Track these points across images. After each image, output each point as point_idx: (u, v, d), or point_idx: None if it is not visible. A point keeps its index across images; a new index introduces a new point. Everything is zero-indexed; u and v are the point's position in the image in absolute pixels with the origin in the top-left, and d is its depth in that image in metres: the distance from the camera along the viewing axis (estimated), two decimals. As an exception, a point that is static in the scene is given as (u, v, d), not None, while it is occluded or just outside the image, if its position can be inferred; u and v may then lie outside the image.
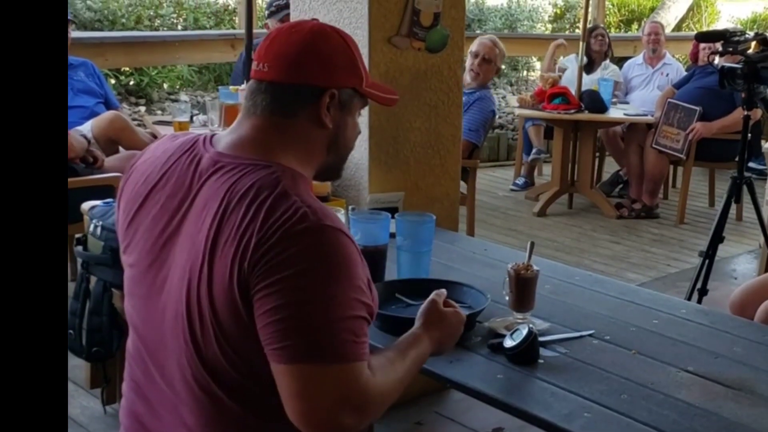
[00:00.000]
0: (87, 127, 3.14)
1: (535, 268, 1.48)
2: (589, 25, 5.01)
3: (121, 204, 1.18)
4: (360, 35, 2.14)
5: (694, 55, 4.86)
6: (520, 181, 4.99)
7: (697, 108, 4.22)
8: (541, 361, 1.35)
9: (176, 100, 4.82)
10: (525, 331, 1.34)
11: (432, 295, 1.25)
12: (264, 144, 1.08)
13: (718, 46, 2.76)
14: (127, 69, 5.20)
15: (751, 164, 4.50)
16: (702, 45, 4.51)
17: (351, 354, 0.99)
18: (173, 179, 1.10)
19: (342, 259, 1.00)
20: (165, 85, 5.48)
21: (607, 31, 5.14)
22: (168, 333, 1.07)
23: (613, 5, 8.52)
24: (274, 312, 0.98)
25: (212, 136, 1.14)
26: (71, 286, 1.94)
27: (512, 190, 4.96)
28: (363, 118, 2.20)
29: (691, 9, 8.88)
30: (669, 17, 8.13)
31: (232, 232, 1.01)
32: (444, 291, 1.27)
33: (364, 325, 1.02)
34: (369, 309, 1.04)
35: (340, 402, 0.98)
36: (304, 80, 1.09)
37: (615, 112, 4.48)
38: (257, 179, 1.03)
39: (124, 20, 5.39)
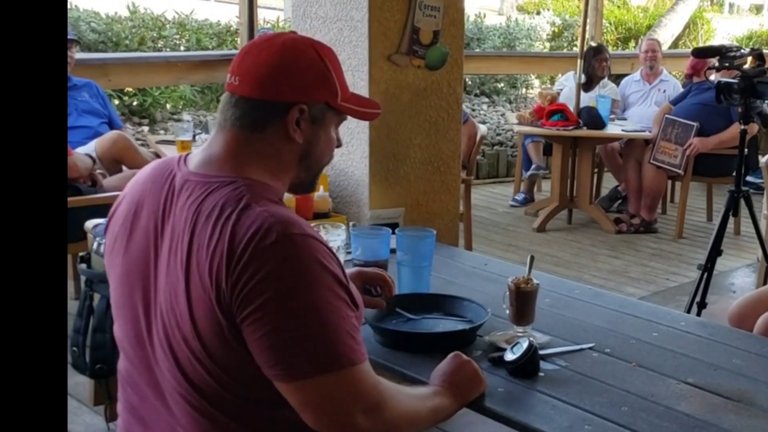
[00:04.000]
0: (91, 147, 3.17)
1: (535, 281, 1.49)
2: (593, 44, 5.07)
3: (108, 230, 1.18)
4: (360, 53, 2.18)
5: (690, 70, 4.90)
6: (520, 197, 5.02)
7: (694, 123, 4.26)
8: (541, 374, 1.35)
9: (179, 120, 4.87)
10: (525, 345, 1.34)
11: (457, 356, 1.25)
12: (233, 159, 1.09)
13: (715, 61, 2.79)
14: (131, 89, 5.24)
15: (749, 178, 4.52)
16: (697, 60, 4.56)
17: (354, 357, 1.01)
18: (151, 203, 1.11)
19: (317, 265, 1.00)
20: (168, 105, 5.52)
21: (608, 52, 5.18)
22: (157, 356, 1.08)
23: (610, 23, 8.61)
24: (266, 338, 0.98)
25: (188, 155, 1.15)
26: (75, 304, 1.95)
27: (512, 205, 4.98)
28: (363, 135, 2.24)
29: (687, 26, 8.98)
30: (665, 35, 8.22)
31: (202, 254, 1.01)
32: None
33: (354, 321, 1.04)
34: (354, 301, 1.05)
35: (353, 405, 1.00)
36: (271, 96, 1.08)
37: (613, 128, 4.52)
38: (222, 196, 1.04)
39: (127, 42, 5.45)
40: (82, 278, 1.98)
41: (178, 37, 5.82)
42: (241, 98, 1.09)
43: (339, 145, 1.20)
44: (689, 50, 5.85)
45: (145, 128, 5.13)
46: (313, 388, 0.99)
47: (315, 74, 1.10)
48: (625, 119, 4.87)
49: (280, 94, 1.08)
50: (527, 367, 1.34)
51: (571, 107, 4.39)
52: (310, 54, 1.11)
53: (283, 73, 1.08)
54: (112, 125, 3.48)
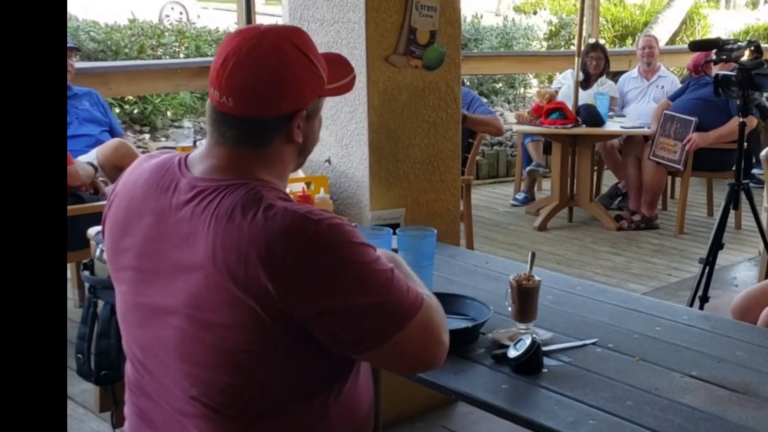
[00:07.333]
0: (92, 155, 3.18)
1: (537, 278, 1.49)
2: (590, 41, 5.07)
3: (105, 232, 1.17)
4: (358, 55, 2.19)
5: (693, 67, 4.89)
6: (521, 196, 5.02)
7: (693, 119, 4.26)
8: (545, 370, 1.36)
9: (180, 127, 4.88)
10: (528, 341, 1.35)
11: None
12: (239, 167, 1.08)
13: (712, 54, 2.79)
14: (131, 98, 5.26)
15: (754, 171, 4.52)
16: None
17: (418, 299, 1.06)
18: (153, 205, 1.10)
19: (356, 239, 1.04)
20: (168, 113, 5.54)
21: (606, 48, 5.18)
22: (170, 358, 1.07)
23: (607, 21, 8.63)
24: (341, 328, 1.02)
25: (186, 157, 1.13)
26: (80, 312, 1.96)
27: (513, 205, 4.99)
28: (362, 136, 2.25)
29: (684, 22, 9.00)
30: (662, 31, 8.23)
31: (232, 256, 1.00)
32: None
33: (396, 270, 1.08)
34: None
35: (436, 336, 1.09)
36: (273, 113, 1.07)
37: (612, 125, 4.52)
38: (238, 198, 1.03)
39: (127, 50, 5.48)
40: (86, 285, 1.98)
41: (177, 44, 5.84)
42: (238, 117, 1.07)
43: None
44: (686, 45, 5.85)
45: (146, 136, 5.15)
46: (396, 344, 1.04)
47: (307, 75, 1.08)
48: (623, 116, 4.87)
49: (281, 108, 1.07)
50: (531, 363, 1.34)
51: (570, 105, 4.39)
52: (294, 55, 1.07)
53: (280, 87, 1.06)
54: (113, 133, 3.48)
